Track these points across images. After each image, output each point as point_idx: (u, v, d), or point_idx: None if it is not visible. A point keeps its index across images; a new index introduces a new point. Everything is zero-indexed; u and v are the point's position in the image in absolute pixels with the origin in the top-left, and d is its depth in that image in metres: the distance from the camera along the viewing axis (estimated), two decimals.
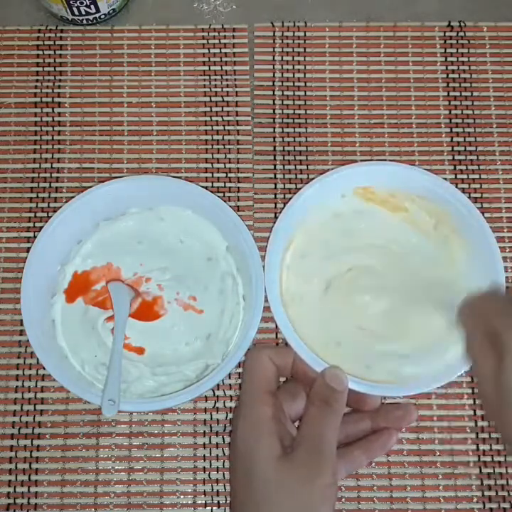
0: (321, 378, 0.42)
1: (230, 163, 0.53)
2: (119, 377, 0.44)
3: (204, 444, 0.48)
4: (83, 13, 0.53)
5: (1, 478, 0.47)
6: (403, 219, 0.49)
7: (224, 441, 0.48)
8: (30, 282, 0.45)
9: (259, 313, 0.44)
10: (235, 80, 0.54)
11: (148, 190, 0.48)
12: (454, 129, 0.53)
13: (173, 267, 0.48)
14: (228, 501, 0.47)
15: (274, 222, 0.46)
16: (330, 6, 0.56)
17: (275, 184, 0.52)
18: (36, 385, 0.49)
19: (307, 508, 0.38)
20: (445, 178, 0.49)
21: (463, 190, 0.49)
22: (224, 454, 0.48)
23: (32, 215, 0.51)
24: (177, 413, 0.48)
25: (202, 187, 0.47)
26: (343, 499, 0.47)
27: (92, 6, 0.52)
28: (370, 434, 0.45)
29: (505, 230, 0.52)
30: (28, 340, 0.44)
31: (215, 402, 0.49)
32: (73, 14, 0.53)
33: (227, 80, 0.54)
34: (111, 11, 0.54)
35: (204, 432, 0.48)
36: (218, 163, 0.53)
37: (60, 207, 0.47)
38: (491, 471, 0.48)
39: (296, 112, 0.53)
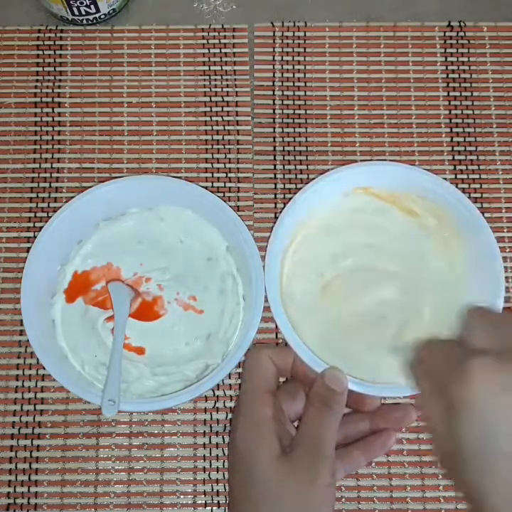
0: (321, 379, 0.42)
1: (230, 163, 0.53)
2: (119, 377, 0.44)
3: (204, 444, 0.48)
4: (83, 13, 0.53)
5: (1, 478, 0.47)
6: (403, 219, 0.49)
7: (224, 441, 0.48)
8: (30, 282, 0.45)
9: (259, 313, 0.44)
10: (235, 79, 0.54)
11: (148, 190, 0.48)
12: (454, 129, 0.53)
13: (173, 267, 0.48)
14: (228, 501, 0.47)
15: (274, 222, 0.46)
16: (330, 6, 0.56)
17: (275, 184, 0.52)
18: (36, 385, 0.49)
19: (306, 508, 0.38)
20: (445, 178, 0.49)
21: (463, 190, 0.49)
22: (224, 454, 0.48)
23: (32, 215, 0.51)
24: (177, 413, 0.48)
25: (202, 187, 0.47)
26: (343, 499, 0.47)
27: (92, 6, 0.52)
28: (370, 434, 0.45)
29: (505, 230, 0.52)
30: (28, 340, 0.44)
31: (215, 402, 0.49)
32: (73, 14, 0.53)
33: (227, 79, 0.54)
34: (111, 11, 0.54)
35: (204, 432, 0.48)
36: (218, 163, 0.53)
37: (60, 207, 0.47)
38: None
39: (296, 112, 0.53)
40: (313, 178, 0.47)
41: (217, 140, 0.53)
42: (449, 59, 0.55)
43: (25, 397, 0.48)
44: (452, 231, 0.47)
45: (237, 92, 0.54)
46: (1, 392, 0.49)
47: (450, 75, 0.54)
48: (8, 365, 0.49)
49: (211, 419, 0.48)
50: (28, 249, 0.46)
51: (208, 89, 0.54)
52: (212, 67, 0.54)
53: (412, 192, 0.48)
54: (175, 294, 0.47)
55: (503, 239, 0.51)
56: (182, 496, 0.47)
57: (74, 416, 0.48)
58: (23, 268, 0.45)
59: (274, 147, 0.53)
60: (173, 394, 0.44)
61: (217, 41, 0.55)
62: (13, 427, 0.48)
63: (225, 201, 0.47)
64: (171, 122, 0.53)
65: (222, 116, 0.53)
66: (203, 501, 0.47)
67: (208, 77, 0.54)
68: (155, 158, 0.53)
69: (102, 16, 0.54)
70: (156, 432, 0.48)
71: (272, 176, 0.52)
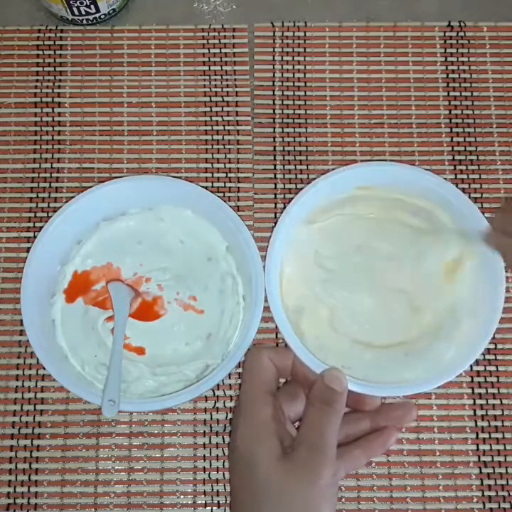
0: (321, 379, 0.42)
1: (230, 163, 0.53)
2: (119, 377, 0.44)
3: (204, 444, 0.48)
4: (83, 13, 0.53)
5: (1, 478, 0.47)
6: (403, 219, 0.49)
7: (224, 441, 0.48)
8: (30, 282, 0.45)
9: (259, 313, 0.44)
10: (235, 79, 0.54)
11: (148, 190, 0.48)
12: (454, 129, 0.53)
13: (173, 267, 0.48)
14: (228, 501, 0.47)
15: (274, 222, 0.46)
16: (330, 6, 0.56)
17: (275, 184, 0.52)
18: (36, 385, 0.49)
19: (308, 508, 0.38)
20: (445, 178, 0.49)
21: (463, 190, 0.49)
22: (224, 454, 0.48)
23: (32, 215, 0.51)
24: (177, 413, 0.48)
25: (202, 187, 0.47)
26: (343, 499, 0.47)
27: (92, 6, 0.52)
28: (370, 433, 0.45)
29: None
30: (28, 340, 0.44)
31: (215, 402, 0.49)
32: (73, 14, 0.53)
33: (227, 79, 0.54)
34: (111, 11, 0.54)
35: (204, 432, 0.48)
36: (218, 163, 0.53)
37: (60, 207, 0.47)
38: (491, 471, 0.48)
39: (296, 112, 0.53)
40: (313, 178, 0.47)
41: (217, 140, 0.53)
42: (449, 59, 0.55)
43: (25, 397, 0.48)
44: (452, 231, 0.47)
45: (237, 92, 0.54)
46: (1, 392, 0.49)
47: (450, 75, 0.54)
48: (8, 365, 0.49)
49: (211, 419, 0.48)
50: (28, 249, 0.46)
51: (208, 89, 0.54)
52: (212, 67, 0.54)
53: (412, 192, 0.48)
54: (175, 294, 0.47)
55: None
56: (182, 496, 0.47)
57: (74, 416, 0.48)
58: (23, 268, 0.45)
59: (274, 147, 0.53)
60: (173, 394, 0.44)
61: (217, 41, 0.55)
62: (13, 427, 0.48)
63: (225, 201, 0.47)
64: (171, 122, 0.53)
65: (222, 116, 0.53)
66: (203, 501, 0.47)
67: (208, 77, 0.54)
68: (155, 158, 0.53)
69: (102, 16, 0.54)
70: (156, 431, 0.48)
71: (272, 176, 0.52)
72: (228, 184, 0.52)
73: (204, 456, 0.48)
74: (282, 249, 0.47)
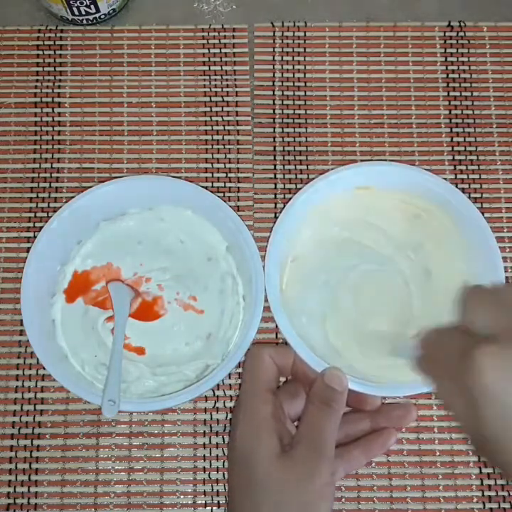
0: (321, 378, 0.42)
1: (230, 163, 0.53)
2: (120, 377, 0.44)
3: (204, 444, 0.48)
4: (83, 13, 0.53)
5: (1, 478, 0.47)
6: (403, 219, 0.49)
7: (224, 441, 0.48)
8: (30, 282, 0.45)
9: (259, 313, 0.44)
10: (235, 79, 0.54)
11: (148, 190, 0.48)
12: (454, 129, 0.53)
13: (173, 267, 0.48)
14: (227, 500, 0.47)
15: (274, 222, 0.46)
16: (330, 6, 0.56)
17: (275, 184, 0.52)
18: (36, 385, 0.49)
19: (305, 506, 0.38)
20: (445, 178, 0.49)
21: (463, 190, 0.49)
22: (224, 453, 0.48)
23: (32, 215, 0.51)
24: (177, 413, 0.48)
25: (202, 187, 0.47)
26: (343, 499, 0.47)
27: (92, 6, 0.52)
28: (370, 433, 0.45)
29: (505, 230, 0.52)
30: (28, 340, 0.44)
31: (215, 402, 0.49)
32: (73, 14, 0.53)
33: (227, 79, 0.54)
34: (111, 11, 0.54)
35: (204, 432, 0.48)
36: (218, 163, 0.53)
37: (60, 207, 0.47)
38: (491, 471, 0.48)
39: (296, 112, 0.53)
40: (313, 178, 0.47)
41: (217, 140, 0.53)
42: (449, 59, 0.55)
43: (25, 397, 0.48)
44: (452, 231, 0.47)
45: (237, 92, 0.54)
46: (1, 392, 0.49)
47: (450, 75, 0.54)
48: (8, 365, 0.49)
49: (211, 419, 0.48)
50: (28, 249, 0.46)
51: (208, 89, 0.54)
52: (212, 67, 0.54)
53: (412, 192, 0.48)
54: (175, 294, 0.47)
55: (503, 239, 0.51)
56: (182, 496, 0.47)
57: (74, 416, 0.48)
58: (23, 268, 0.45)
59: (274, 147, 0.53)
60: (173, 394, 0.44)
61: (217, 41, 0.55)
62: (13, 427, 0.48)
63: (225, 201, 0.47)
64: (171, 122, 0.53)
65: (222, 116, 0.53)
66: (203, 501, 0.47)
67: (208, 77, 0.54)
68: (155, 158, 0.53)
69: (102, 16, 0.54)
70: (156, 431, 0.48)
71: (272, 176, 0.52)
72: (228, 184, 0.52)
73: (204, 456, 0.48)
74: (282, 249, 0.47)
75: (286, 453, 0.40)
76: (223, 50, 0.55)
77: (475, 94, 0.54)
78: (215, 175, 0.52)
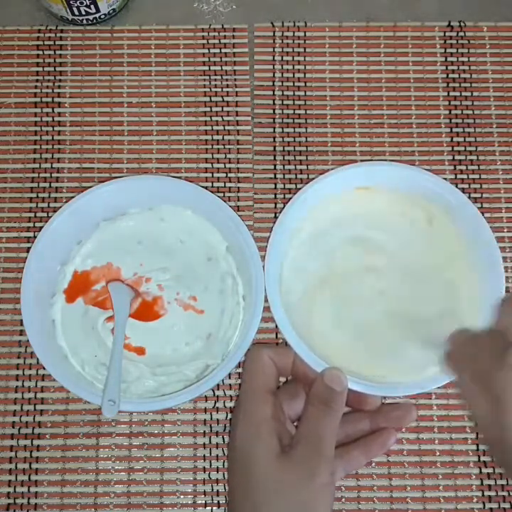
0: (321, 378, 0.42)
1: (230, 163, 0.53)
2: (120, 377, 0.44)
3: (204, 444, 0.48)
4: (83, 13, 0.53)
5: (1, 478, 0.47)
6: (403, 219, 0.49)
7: (224, 441, 0.48)
8: (30, 282, 0.45)
9: (259, 313, 0.44)
10: (235, 79, 0.54)
11: (148, 190, 0.48)
12: (454, 129, 0.53)
13: (173, 267, 0.48)
14: (227, 500, 0.47)
15: (274, 222, 0.46)
16: (330, 6, 0.56)
17: (275, 184, 0.52)
18: (36, 385, 0.49)
19: (304, 506, 0.38)
20: (445, 178, 0.49)
21: (463, 190, 0.49)
22: (224, 454, 0.48)
23: (32, 215, 0.51)
24: (177, 413, 0.48)
25: (202, 187, 0.47)
26: (343, 499, 0.47)
27: (92, 6, 0.52)
28: (370, 433, 0.45)
29: (505, 230, 0.52)
30: (28, 340, 0.44)
31: (215, 402, 0.49)
32: (73, 14, 0.53)
33: (227, 79, 0.54)
34: (111, 11, 0.54)
35: (204, 432, 0.48)
36: (218, 163, 0.53)
37: (60, 207, 0.47)
38: (491, 471, 0.48)
39: (296, 112, 0.53)
40: (313, 178, 0.47)
41: (217, 140, 0.53)
42: (449, 59, 0.55)
43: (25, 397, 0.48)
44: (452, 231, 0.47)
45: (237, 92, 0.54)
46: (1, 392, 0.49)
47: (450, 75, 0.54)
48: (8, 365, 0.49)
49: (211, 419, 0.48)
50: (28, 249, 0.46)
51: (208, 89, 0.54)
52: (212, 67, 0.54)
53: (412, 192, 0.48)
54: (175, 294, 0.47)
55: (503, 239, 0.51)
56: (182, 496, 0.47)
57: (74, 416, 0.48)
58: (23, 268, 0.45)
59: (274, 147, 0.53)
60: (173, 394, 0.44)
61: (217, 41, 0.55)
62: (13, 427, 0.48)
63: (225, 201, 0.47)
64: (171, 122, 0.53)
65: (222, 116, 0.53)
66: (203, 501, 0.47)
67: (208, 77, 0.54)
68: (155, 158, 0.53)
69: (102, 16, 0.54)
70: (156, 431, 0.48)
71: (272, 176, 0.52)
72: (228, 184, 0.52)
73: (204, 456, 0.48)
74: (282, 249, 0.47)
75: (285, 453, 0.40)
76: (223, 50, 0.55)
77: (475, 94, 0.54)
78: (215, 175, 0.52)
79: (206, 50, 0.55)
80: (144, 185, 0.48)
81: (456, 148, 0.53)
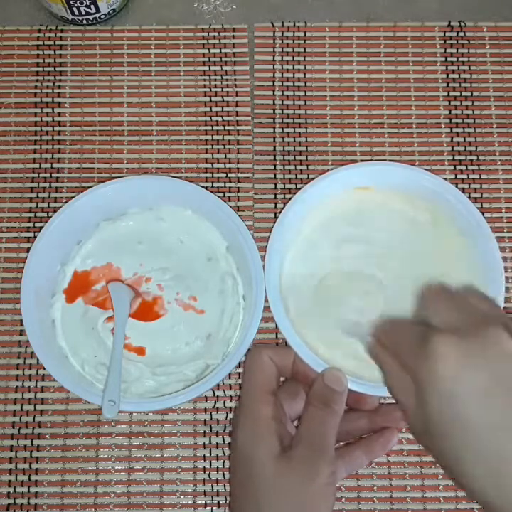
0: (321, 379, 0.42)
1: (230, 163, 0.53)
2: (120, 377, 0.44)
3: (204, 444, 0.48)
4: (83, 13, 0.53)
5: (1, 478, 0.47)
6: (403, 219, 0.49)
7: (224, 442, 0.48)
8: (30, 282, 0.45)
9: (259, 313, 0.44)
10: (235, 79, 0.54)
11: (148, 190, 0.48)
12: (454, 129, 0.53)
13: (173, 267, 0.48)
14: (228, 501, 0.47)
15: (274, 222, 0.46)
16: (330, 6, 0.56)
17: (275, 184, 0.52)
18: (36, 385, 0.49)
19: (305, 506, 0.39)
20: (445, 178, 0.49)
21: (463, 190, 0.49)
22: (224, 454, 0.48)
23: (32, 215, 0.51)
24: (177, 413, 0.48)
25: (202, 187, 0.48)
26: (343, 499, 0.47)
27: (92, 6, 0.52)
28: (371, 433, 0.45)
29: (505, 230, 0.52)
30: (28, 340, 0.44)
31: (215, 402, 0.49)
32: (73, 14, 0.53)
33: (227, 79, 0.54)
34: (111, 11, 0.54)
35: (204, 432, 0.48)
36: (218, 163, 0.53)
37: (60, 207, 0.47)
38: None
39: (296, 112, 0.53)
40: (313, 178, 0.47)
41: (217, 140, 0.53)
42: (449, 59, 0.55)
43: (25, 397, 0.48)
44: (452, 231, 0.47)
45: (237, 92, 0.54)
46: (1, 392, 0.49)
47: (450, 75, 0.54)
48: (8, 365, 0.49)
49: (211, 419, 0.48)
50: (28, 249, 0.46)
51: (208, 89, 0.54)
52: (212, 67, 0.54)
53: (412, 192, 0.48)
54: (175, 294, 0.47)
55: (503, 239, 0.51)
56: (182, 496, 0.47)
57: (74, 416, 0.48)
58: (23, 268, 0.45)
59: (274, 147, 0.53)
60: (173, 394, 0.44)
61: (217, 41, 0.55)
62: (13, 427, 0.48)
63: (225, 201, 0.47)
64: (171, 122, 0.53)
65: (222, 116, 0.53)
66: (203, 501, 0.47)
67: (208, 77, 0.54)
68: (155, 158, 0.53)
69: (102, 16, 0.54)
70: (156, 431, 0.48)
71: (272, 176, 0.52)
72: (228, 184, 0.52)
73: (204, 456, 0.48)
74: (282, 249, 0.47)
75: (286, 454, 0.40)
76: (223, 50, 0.55)
77: (475, 94, 0.54)
78: (215, 175, 0.52)
79: (206, 50, 0.55)
80: (144, 185, 0.48)
81: (456, 149, 0.53)
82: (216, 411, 0.48)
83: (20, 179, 0.52)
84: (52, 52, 0.54)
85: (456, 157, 0.53)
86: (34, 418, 0.48)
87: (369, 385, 0.43)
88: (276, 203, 0.52)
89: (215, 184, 0.52)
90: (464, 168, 0.53)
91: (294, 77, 0.54)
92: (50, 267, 0.47)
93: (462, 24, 0.55)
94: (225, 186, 0.52)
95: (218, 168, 0.52)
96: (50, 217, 0.46)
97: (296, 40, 0.55)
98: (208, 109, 0.53)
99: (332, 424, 0.41)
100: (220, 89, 0.54)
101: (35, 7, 0.55)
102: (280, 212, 0.47)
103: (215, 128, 0.53)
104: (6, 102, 0.54)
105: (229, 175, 0.52)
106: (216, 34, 0.55)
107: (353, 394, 0.42)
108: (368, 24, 0.55)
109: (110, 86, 0.54)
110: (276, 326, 0.45)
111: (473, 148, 0.53)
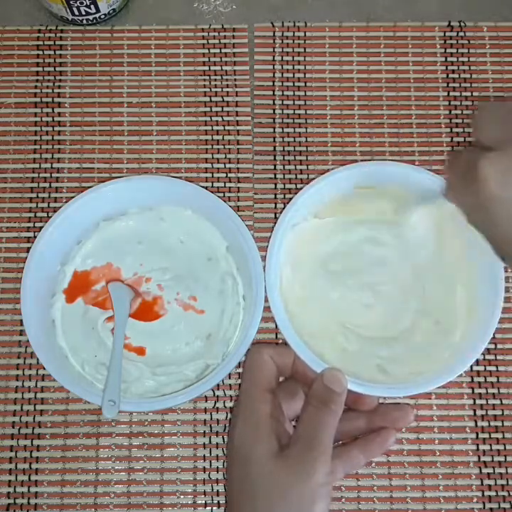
0: (320, 379, 0.42)
1: (230, 163, 0.53)
2: (120, 377, 0.44)
3: (204, 444, 0.48)
4: (83, 13, 0.53)
5: (1, 478, 0.47)
6: (403, 219, 0.49)
7: (224, 441, 0.48)
8: (30, 282, 0.45)
9: (259, 313, 0.44)
10: (235, 79, 0.54)
11: (148, 190, 0.48)
12: (454, 129, 0.53)
13: (173, 267, 0.48)
14: (226, 498, 0.47)
15: (274, 222, 0.46)
16: (330, 6, 0.56)
17: (275, 184, 0.52)
18: (36, 385, 0.49)
19: (302, 505, 0.38)
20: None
21: None
22: (224, 454, 0.48)
23: (32, 215, 0.51)
24: (177, 413, 0.48)
25: (202, 187, 0.47)
26: (343, 499, 0.47)
27: (92, 6, 0.52)
28: (368, 433, 0.45)
29: None
30: (28, 340, 0.44)
31: (215, 402, 0.49)
32: (73, 14, 0.53)
33: (227, 80, 0.54)
34: (111, 11, 0.54)
35: (204, 432, 0.48)
36: (218, 163, 0.53)
37: (60, 207, 0.47)
38: (491, 471, 0.48)
39: (296, 112, 0.53)
40: (313, 178, 0.47)
41: (217, 140, 0.53)
42: (449, 59, 0.55)
43: (25, 397, 0.48)
44: (452, 231, 0.47)
45: (237, 92, 0.54)
46: (1, 392, 0.49)
47: (450, 75, 0.54)
48: (8, 365, 0.49)
49: (211, 419, 0.48)
50: (28, 249, 0.46)
51: (208, 89, 0.54)
52: (212, 67, 0.54)
53: (412, 192, 0.48)
54: (175, 294, 0.47)
55: None
56: (182, 496, 0.47)
57: (74, 416, 0.48)
58: (23, 268, 0.45)
59: (274, 147, 0.53)
60: (173, 394, 0.44)
61: (217, 41, 0.55)
62: (13, 427, 0.48)
63: (225, 201, 0.47)
64: (171, 122, 0.53)
65: (222, 116, 0.53)
66: (203, 501, 0.47)
67: (208, 77, 0.54)
68: (155, 158, 0.53)
69: (102, 16, 0.54)
70: (156, 431, 0.48)
71: (272, 176, 0.52)
72: (228, 184, 0.52)
73: (204, 456, 0.48)
74: (282, 249, 0.47)
75: (283, 453, 0.40)
76: (223, 50, 0.55)
77: (475, 94, 0.54)
78: (215, 175, 0.52)
79: (206, 50, 0.55)
80: (144, 185, 0.48)
81: (456, 149, 0.53)
82: (216, 411, 0.48)
83: (20, 179, 0.52)
84: (52, 52, 0.54)
85: None
86: (34, 418, 0.48)
87: (368, 386, 0.43)
88: (276, 203, 0.52)
89: (215, 184, 0.52)
90: None
91: (294, 77, 0.54)
92: (50, 267, 0.47)
93: (462, 24, 0.55)
94: (225, 186, 0.52)
95: (218, 168, 0.52)
96: (50, 217, 0.46)
97: (296, 40, 0.55)
98: (208, 109, 0.53)
99: (330, 424, 0.40)
100: (220, 89, 0.54)
101: (35, 7, 0.55)
102: (280, 212, 0.47)
103: (215, 128, 0.53)
104: (6, 102, 0.54)
105: (229, 175, 0.52)
106: (216, 34, 0.55)
107: (351, 394, 0.42)
108: (368, 24, 0.55)
109: (110, 86, 0.54)
110: (276, 326, 0.45)
111: None
